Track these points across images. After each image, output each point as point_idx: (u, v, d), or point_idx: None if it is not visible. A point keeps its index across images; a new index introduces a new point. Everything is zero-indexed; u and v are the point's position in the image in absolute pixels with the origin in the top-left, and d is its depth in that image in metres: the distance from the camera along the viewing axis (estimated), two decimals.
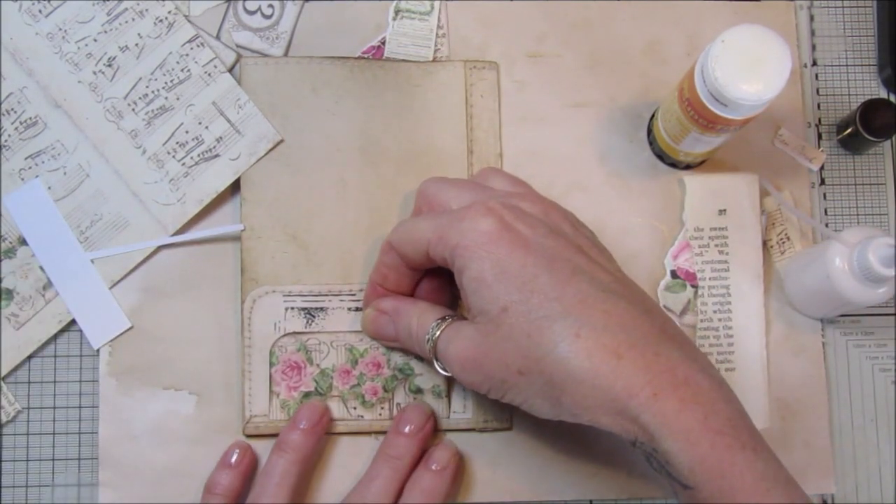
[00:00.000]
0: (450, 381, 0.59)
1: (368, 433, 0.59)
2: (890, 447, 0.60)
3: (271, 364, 0.59)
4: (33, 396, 0.59)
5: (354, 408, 0.59)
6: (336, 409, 0.59)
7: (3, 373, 0.59)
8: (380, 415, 0.59)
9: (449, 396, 0.59)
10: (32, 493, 0.58)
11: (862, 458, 0.60)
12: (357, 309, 0.59)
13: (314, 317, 0.59)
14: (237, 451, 0.57)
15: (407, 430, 0.56)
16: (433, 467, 0.56)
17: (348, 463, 0.59)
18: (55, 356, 0.59)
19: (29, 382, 0.59)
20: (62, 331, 0.59)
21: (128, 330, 0.59)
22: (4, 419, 0.58)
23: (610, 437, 0.59)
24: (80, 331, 0.59)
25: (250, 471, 0.57)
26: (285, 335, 0.59)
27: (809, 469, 0.59)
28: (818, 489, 0.60)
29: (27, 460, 0.59)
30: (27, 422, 0.59)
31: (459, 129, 0.61)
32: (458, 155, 0.61)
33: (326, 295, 0.59)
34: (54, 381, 0.59)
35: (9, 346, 0.59)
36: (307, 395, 0.59)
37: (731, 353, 0.60)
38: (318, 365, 0.59)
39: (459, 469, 0.58)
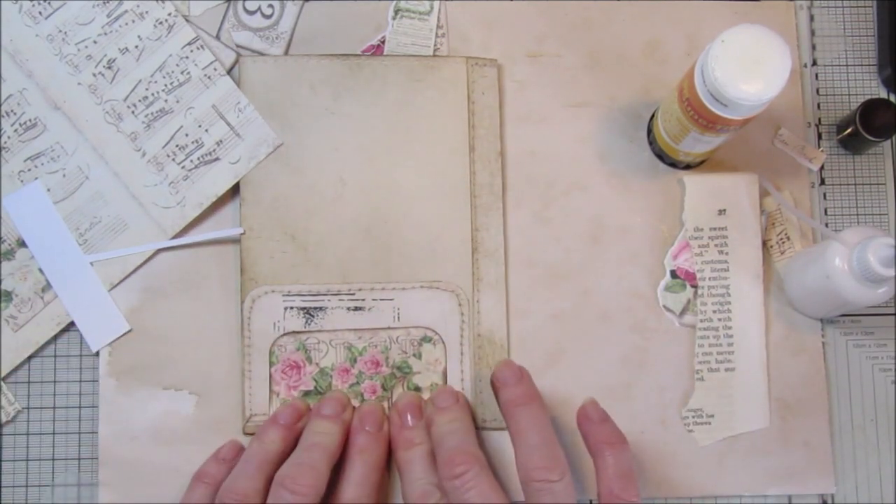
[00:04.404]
0: (446, 379, 0.59)
1: None
2: (890, 447, 0.60)
3: (271, 363, 0.59)
4: (33, 396, 0.59)
5: (354, 406, 0.59)
6: None
7: (3, 374, 0.59)
8: None
9: None
10: (32, 493, 0.58)
11: (862, 458, 0.60)
12: (357, 308, 0.59)
13: (313, 316, 0.59)
14: (232, 446, 0.58)
15: (368, 428, 0.57)
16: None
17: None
18: (55, 356, 0.59)
19: (29, 382, 0.59)
20: (62, 331, 0.59)
21: (127, 332, 0.59)
22: (4, 419, 0.59)
23: None
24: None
25: None
26: (285, 334, 0.59)
27: (809, 469, 0.59)
28: (818, 489, 0.60)
29: (27, 460, 0.59)
30: (27, 422, 0.59)
31: (461, 126, 0.61)
32: (458, 153, 0.61)
33: (325, 294, 0.59)
34: (54, 381, 0.59)
35: (7, 348, 0.59)
36: (307, 393, 0.59)
37: (731, 353, 0.60)
38: (317, 364, 0.59)
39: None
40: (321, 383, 0.59)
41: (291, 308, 0.59)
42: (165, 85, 0.60)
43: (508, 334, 0.60)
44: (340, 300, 0.59)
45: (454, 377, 0.59)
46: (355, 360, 0.59)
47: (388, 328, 0.59)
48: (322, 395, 0.59)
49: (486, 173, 0.61)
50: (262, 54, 0.61)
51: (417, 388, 0.59)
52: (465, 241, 0.60)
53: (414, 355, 0.59)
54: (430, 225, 0.60)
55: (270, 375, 0.59)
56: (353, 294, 0.59)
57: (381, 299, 0.59)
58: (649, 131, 0.62)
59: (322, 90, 0.61)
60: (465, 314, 0.60)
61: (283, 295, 0.59)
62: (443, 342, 0.59)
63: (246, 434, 0.58)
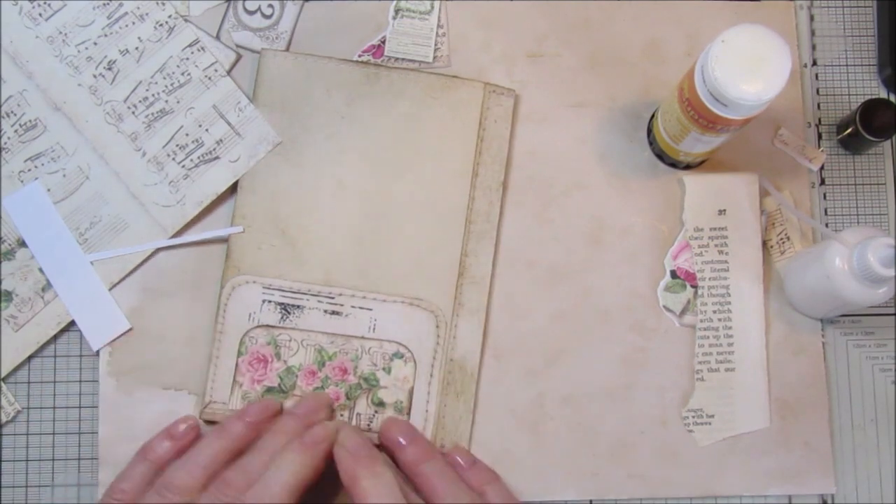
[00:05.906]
0: (412, 398, 0.59)
1: None
2: (890, 447, 0.60)
3: (239, 353, 0.58)
4: (33, 396, 0.59)
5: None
6: None
7: (3, 374, 0.59)
8: None
9: (409, 413, 0.59)
10: (32, 493, 0.58)
11: (862, 458, 0.60)
12: (334, 313, 0.59)
13: (289, 313, 0.59)
14: (186, 424, 0.56)
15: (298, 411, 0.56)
16: (306, 439, 0.54)
17: None
18: (55, 356, 0.59)
19: (29, 382, 0.59)
20: (62, 331, 0.59)
21: (127, 331, 0.59)
22: (4, 419, 0.59)
23: (610, 436, 0.59)
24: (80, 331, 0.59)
25: (189, 448, 0.55)
26: (258, 327, 0.59)
27: (809, 469, 0.59)
28: (818, 489, 0.60)
29: (27, 460, 0.59)
30: (27, 422, 0.59)
31: (467, 150, 0.61)
32: (461, 176, 0.60)
33: (305, 294, 0.59)
34: (54, 381, 0.59)
35: (7, 348, 0.59)
36: (270, 389, 0.58)
37: (731, 353, 0.60)
38: (285, 361, 0.59)
39: (329, 452, 0.54)
40: (286, 381, 0.59)
41: (269, 302, 0.59)
42: (166, 86, 0.60)
43: (481, 365, 0.59)
44: (319, 301, 0.59)
45: (420, 398, 0.59)
46: (324, 364, 0.59)
47: (362, 338, 0.59)
48: (284, 395, 0.58)
49: (484, 201, 0.60)
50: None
51: (381, 403, 0.59)
52: (453, 265, 0.60)
53: (383, 369, 0.59)
54: (421, 242, 0.60)
55: (237, 365, 0.58)
56: (332, 298, 0.59)
57: (360, 307, 0.59)
58: (649, 131, 0.62)
59: (337, 94, 0.61)
60: (441, 336, 0.59)
61: (264, 287, 0.59)
62: (414, 361, 0.59)
63: (202, 419, 0.58)
